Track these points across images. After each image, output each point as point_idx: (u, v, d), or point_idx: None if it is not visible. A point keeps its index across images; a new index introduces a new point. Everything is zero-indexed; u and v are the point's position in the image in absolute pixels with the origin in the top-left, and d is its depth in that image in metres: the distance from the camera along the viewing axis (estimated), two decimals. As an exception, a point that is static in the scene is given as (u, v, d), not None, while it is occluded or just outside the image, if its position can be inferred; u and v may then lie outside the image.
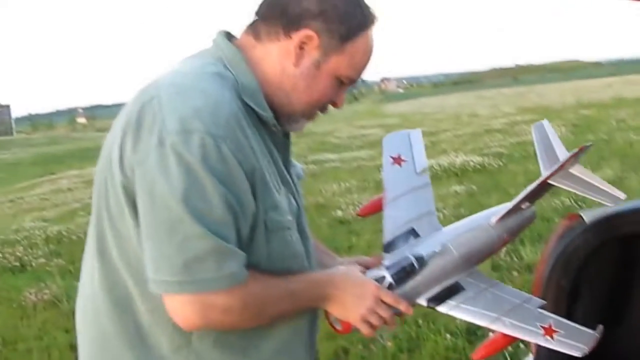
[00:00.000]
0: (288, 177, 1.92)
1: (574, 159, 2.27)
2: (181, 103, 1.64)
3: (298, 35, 1.78)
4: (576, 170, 2.32)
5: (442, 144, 19.86)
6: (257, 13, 1.86)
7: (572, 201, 9.67)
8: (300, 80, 1.82)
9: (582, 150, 2.24)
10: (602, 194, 2.31)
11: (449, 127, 27.52)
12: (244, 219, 1.67)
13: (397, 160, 2.39)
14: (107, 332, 1.79)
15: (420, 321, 5.56)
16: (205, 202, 1.59)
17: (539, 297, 2.28)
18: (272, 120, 1.83)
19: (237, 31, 1.92)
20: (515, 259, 7.23)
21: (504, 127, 24.45)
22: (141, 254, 1.67)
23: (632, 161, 13.09)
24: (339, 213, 10.99)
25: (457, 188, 12.08)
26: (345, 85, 1.88)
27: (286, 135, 1.97)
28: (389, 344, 5.35)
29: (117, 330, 1.78)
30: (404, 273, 2.03)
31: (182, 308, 1.64)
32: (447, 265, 2.12)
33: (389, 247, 2.18)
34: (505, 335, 2.06)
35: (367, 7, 1.85)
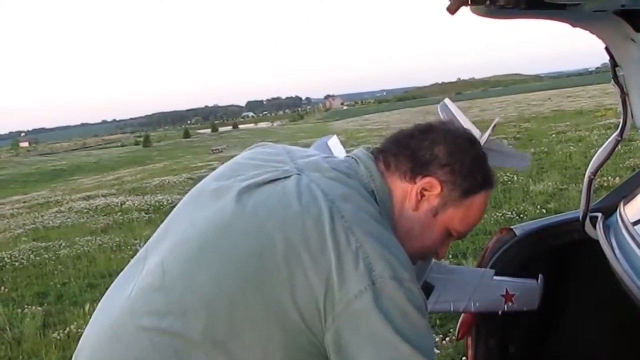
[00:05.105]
0: None
1: (488, 137, 2.43)
2: (387, 251, 1.62)
3: (422, 182, 1.79)
4: (488, 144, 2.42)
5: (387, 160, 19.99)
6: (389, 147, 1.88)
7: (514, 214, 9.86)
8: (416, 224, 1.82)
9: (493, 127, 2.47)
10: (513, 162, 2.54)
11: (394, 143, 27.70)
12: None
13: None
14: None
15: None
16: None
17: None
18: None
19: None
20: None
21: (448, 141, 24.73)
22: None
23: (571, 172, 13.37)
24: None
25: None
26: (453, 238, 1.90)
27: None
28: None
29: None
30: None
31: None
32: (417, 271, 2.25)
33: None
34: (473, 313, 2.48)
35: (490, 171, 1.89)
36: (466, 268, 2.53)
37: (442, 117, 2.63)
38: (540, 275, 2.51)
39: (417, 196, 1.79)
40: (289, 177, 1.73)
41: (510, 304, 2.46)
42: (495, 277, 2.52)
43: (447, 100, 2.72)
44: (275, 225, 1.62)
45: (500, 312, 2.52)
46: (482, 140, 2.39)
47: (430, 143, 1.81)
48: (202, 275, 1.62)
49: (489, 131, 2.45)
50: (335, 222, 1.61)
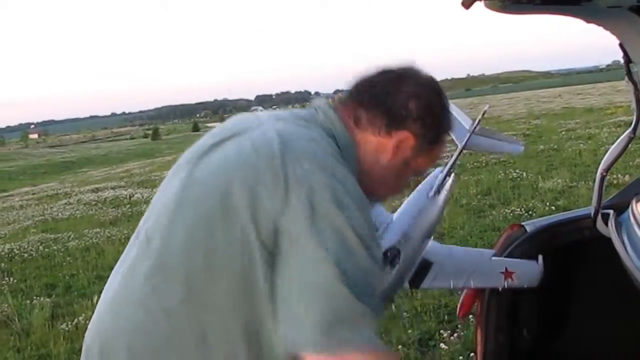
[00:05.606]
0: None
1: (479, 124, 2.65)
2: (335, 181, 1.67)
3: (398, 136, 1.86)
4: (480, 132, 2.67)
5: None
6: (359, 100, 1.90)
7: (523, 210, 9.83)
8: (390, 173, 1.91)
9: (483, 114, 2.60)
10: (506, 147, 2.77)
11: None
12: None
13: None
14: None
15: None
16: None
17: (484, 303, 2.61)
18: None
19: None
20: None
21: (457, 137, 24.72)
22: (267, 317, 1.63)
23: (581, 170, 13.29)
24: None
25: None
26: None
27: None
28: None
29: None
30: (389, 265, 2.32)
31: None
32: (415, 249, 2.42)
33: None
34: (474, 290, 2.56)
35: (450, 115, 1.98)
36: (466, 248, 2.64)
37: None
38: (540, 256, 2.65)
39: (394, 149, 1.86)
40: (249, 131, 1.81)
41: (510, 280, 2.55)
42: (494, 258, 2.66)
43: None
44: (232, 171, 1.70)
45: (500, 289, 2.60)
46: (473, 127, 2.52)
47: (405, 98, 1.86)
48: (178, 233, 1.69)
49: (479, 117, 2.58)
50: (286, 156, 1.67)
